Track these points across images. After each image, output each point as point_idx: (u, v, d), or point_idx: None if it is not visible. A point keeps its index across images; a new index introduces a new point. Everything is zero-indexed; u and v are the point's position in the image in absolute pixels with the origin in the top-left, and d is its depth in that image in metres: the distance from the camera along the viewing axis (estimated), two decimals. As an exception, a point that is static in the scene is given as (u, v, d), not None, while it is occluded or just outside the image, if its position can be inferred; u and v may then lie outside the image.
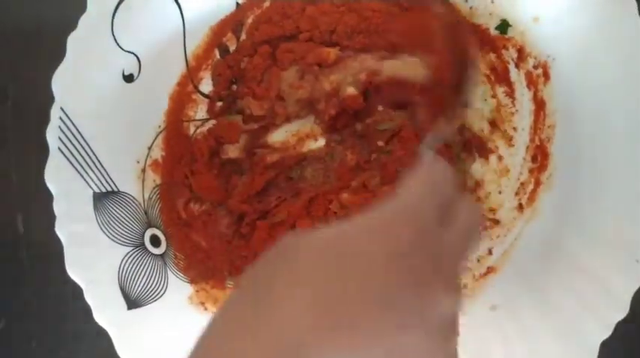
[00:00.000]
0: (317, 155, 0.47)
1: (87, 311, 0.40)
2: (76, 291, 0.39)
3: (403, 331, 0.22)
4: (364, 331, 0.22)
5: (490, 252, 0.46)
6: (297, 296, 0.22)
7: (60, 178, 0.39)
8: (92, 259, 0.40)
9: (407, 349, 0.22)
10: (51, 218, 0.39)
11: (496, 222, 0.46)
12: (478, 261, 0.46)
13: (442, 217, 0.27)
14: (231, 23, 0.46)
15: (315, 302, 0.22)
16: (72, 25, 0.40)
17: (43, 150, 0.39)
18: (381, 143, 0.47)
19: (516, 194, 0.46)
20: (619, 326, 0.38)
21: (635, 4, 0.38)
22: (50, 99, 0.39)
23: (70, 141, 0.40)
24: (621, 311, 0.37)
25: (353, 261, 0.23)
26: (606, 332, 0.38)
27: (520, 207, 0.46)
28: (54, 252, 0.39)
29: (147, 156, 0.45)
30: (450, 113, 0.37)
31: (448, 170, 0.29)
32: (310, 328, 0.21)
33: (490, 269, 0.45)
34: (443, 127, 0.37)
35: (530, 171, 0.46)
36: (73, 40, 0.40)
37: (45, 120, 0.40)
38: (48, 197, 0.39)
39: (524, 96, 0.46)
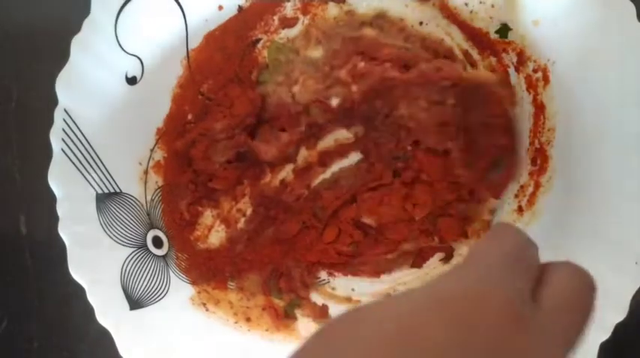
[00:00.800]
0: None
1: (89, 311, 0.40)
2: (79, 292, 0.40)
3: None
4: None
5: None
6: None
7: (63, 180, 0.40)
8: (95, 260, 0.40)
9: None
10: (54, 219, 0.39)
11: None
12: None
13: (533, 292, 0.21)
14: (234, 27, 0.46)
15: None
16: (76, 28, 0.40)
17: (47, 152, 0.40)
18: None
19: (516, 196, 0.46)
20: (618, 328, 0.38)
21: (633, 8, 0.38)
22: (54, 101, 0.40)
23: (74, 143, 0.40)
24: (620, 313, 0.38)
25: (419, 352, 0.18)
26: (605, 334, 0.38)
27: (520, 209, 0.46)
28: (57, 252, 0.40)
29: (149, 158, 0.45)
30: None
31: (527, 235, 0.24)
32: None
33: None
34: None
35: (530, 173, 0.46)
36: (76, 43, 0.40)
37: (48, 121, 0.40)
38: (51, 198, 0.39)
39: (523, 100, 0.46)
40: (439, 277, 0.22)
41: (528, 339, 0.19)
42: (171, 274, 0.44)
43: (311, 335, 0.20)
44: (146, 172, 0.45)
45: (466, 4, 0.46)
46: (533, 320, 0.20)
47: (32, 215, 0.48)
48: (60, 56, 0.40)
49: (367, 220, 0.47)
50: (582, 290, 0.23)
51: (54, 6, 0.49)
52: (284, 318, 0.46)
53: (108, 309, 0.40)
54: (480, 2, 0.45)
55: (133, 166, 0.44)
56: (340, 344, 0.19)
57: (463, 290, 0.20)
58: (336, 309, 0.48)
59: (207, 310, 0.45)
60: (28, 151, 0.48)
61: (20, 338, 0.49)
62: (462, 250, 0.48)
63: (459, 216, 0.47)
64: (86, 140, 0.41)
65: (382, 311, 0.20)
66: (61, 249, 0.39)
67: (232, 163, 0.46)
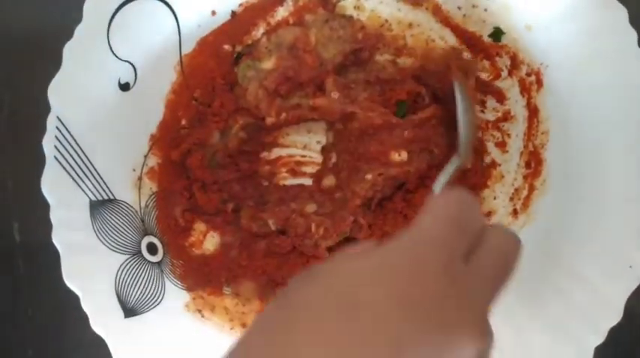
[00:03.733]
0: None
1: (84, 319, 0.40)
2: (73, 300, 0.39)
3: None
4: None
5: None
6: (311, 345, 0.22)
7: (56, 187, 0.40)
8: (89, 267, 0.40)
9: None
10: (48, 226, 0.39)
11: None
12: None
13: (468, 253, 0.25)
14: (227, 32, 0.46)
15: (328, 352, 0.22)
16: (68, 35, 0.40)
17: (40, 159, 0.39)
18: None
19: (511, 199, 0.47)
20: (612, 331, 0.38)
21: (625, 12, 0.39)
22: (46, 108, 0.40)
23: (67, 150, 0.40)
24: (615, 317, 0.38)
25: (364, 313, 0.22)
26: (600, 338, 0.38)
27: (515, 212, 0.46)
28: (50, 260, 0.39)
29: (143, 164, 0.45)
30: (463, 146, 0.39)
31: (471, 197, 0.27)
32: None
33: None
34: (456, 159, 0.39)
35: (525, 176, 0.46)
36: (69, 50, 0.40)
37: (41, 129, 0.40)
38: (45, 205, 0.39)
39: (517, 103, 0.46)
40: (392, 239, 0.25)
41: (457, 291, 0.23)
42: (166, 281, 0.44)
43: (273, 300, 0.24)
44: (140, 178, 0.45)
45: (459, 8, 0.46)
46: (463, 275, 0.24)
47: (26, 222, 0.48)
48: (52, 63, 0.40)
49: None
50: (508, 251, 0.26)
51: (46, 13, 0.49)
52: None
53: (102, 317, 0.40)
54: (473, 6, 0.45)
55: (126, 173, 0.44)
56: (296, 306, 0.23)
57: (404, 253, 0.24)
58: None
59: (202, 316, 0.44)
60: (21, 158, 0.48)
61: (14, 346, 0.48)
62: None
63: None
64: (79, 147, 0.41)
65: (334, 273, 0.24)
66: (54, 256, 0.39)
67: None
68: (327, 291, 0.23)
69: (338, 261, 0.25)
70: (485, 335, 0.23)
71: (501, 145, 0.47)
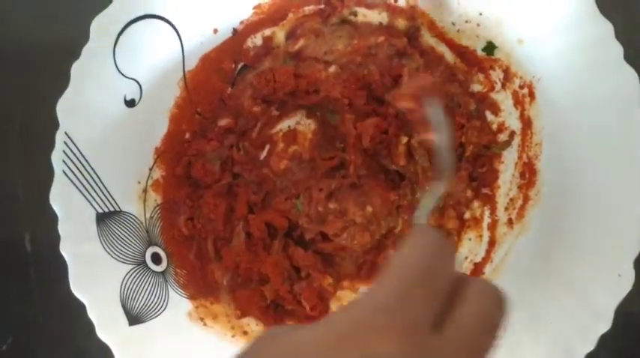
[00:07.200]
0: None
1: (90, 327, 0.41)
2: (80, 308, 0.41)
3: None
4: None
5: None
6: None
7: (64, 200, 0.41)
8: (95, 277, 0.42)
9: None
10: (57, 237, 0.41)
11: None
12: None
13: (441, 312, 0.21)
14: (228, 49, 0.48)
15: None
16: (76, 53, 0.41)
17: (49, 173, 0.41)
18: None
19: (506, 209, 0.48)
20: (602, 339, 0.39)
21: (611, 27, 0.40)
22: (55, 123, 0.41)
23: (74, 164, 0.42)
24: (605, 324, 0.38)
25: None
26: (590, 345, 0.39)
27: (510, 222, 0.47)
28: (60, 270, 0.41)
29: (148, 177, 0.46)
30: (442, 171, 0.36)
31: (445, 240, 0.23)
32: None
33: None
34: (435, 187, 0.36)
35: (519, 187, 0.47)
36: (77, 68, 0.41)
37: (50, 143, 0.41)
38: (54, 217, 0.40)
39: (511, 115, 0.47)
40: (351, 302, 0.22)
41: None
42: (170, 290, 0.45)
43: None
44: (145, 191, 0.46)
45: (453, 24, 0.47)
46: (434, 346, 0.20)
47: (37, 233, 0.50)
48: (61, 80, 0.41)
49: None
50: (492, 312, 0.22)
51: (56, 32, 0.51)
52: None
53: (107, 325, 0.41)
54: (466, 21, 0.47)
55: (132, 185, 0.46)
56: None
57: (361, 322, 0.20)
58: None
59: (204, 324, 0.46)
60: (31, 172, 0.50)
61: (24, 354, 0.50)
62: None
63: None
64: (86, 161, 0.42)
65: (288, 344, 0.21)
66: (64, 266, 0.41)
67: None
68: None
69: (293, 329, 0.22)
70: None
71: (497, 156, 0.48)
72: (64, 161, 0.41)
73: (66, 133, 0.41)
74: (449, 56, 0.48)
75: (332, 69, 0.47)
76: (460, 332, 0.21)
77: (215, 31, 0.47)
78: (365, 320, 0.20)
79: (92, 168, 0.43)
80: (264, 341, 0.22)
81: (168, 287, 0.45)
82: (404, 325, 0.20)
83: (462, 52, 0.48)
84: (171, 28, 0.45)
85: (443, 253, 0.23)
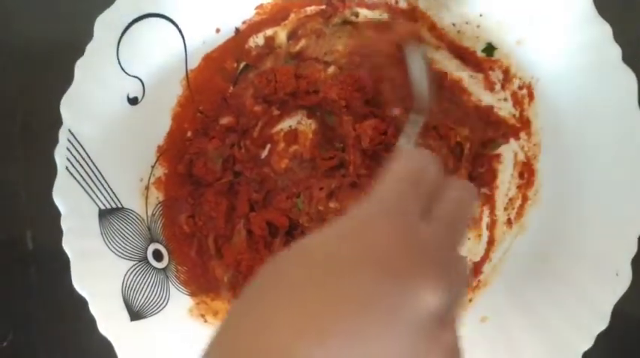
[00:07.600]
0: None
1: (92, 323, 0.41)
2: (82, 304, 0.41)
3: (377, 335, 0.22)
4: (340, 339, 0.22)
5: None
6: (283, 306, 0.23)
7: (67, 196, 0.41)
8: (97, 273, 0.42)
9: (381, 353, 0.22)
10: (59, 233, 0.41)
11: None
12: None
13: (428, 207, 0.26)
14: (231, 48, 0.48)
15: (299, 312, 0.23)
16: (80, 51, 0.42)
17: (52, 169, 0.41)
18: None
19: (505, 209, 0.48)
20: (600, 337, 0.39)
21: (609, 29, 0.40)
22: (58, 120, 0.41)
23: (77, 161, 0.42)
24: (602, 323, 0.39)
25: (326, 269, 0.24)
26: (588, 343, 0.39)
27: (509, 222, 0.48)
28: (62, 266, 0.41)
29: (150, 174, 0.47)
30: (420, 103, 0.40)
31: (428, 155, 0.28)
32: (296, 336, 0.22)
33: (480, 283, 0.47)
34: (415, 117, 0.40)
35: (518, 187, 0.48)
36: (80, 65, 0.42)
37: (53, 140, 0.41)
38: (56, 214, 0.41)
39: (511, 115, 0.48)
40: (351, 207, 0.26)
41: (419, 251, 0.24)
42: (171, 286, 0.46)
43: (260, 271, 0.25)
44: (147, 188, 0.46)
45: (453, 25, 0.48)
46: (423, 234, 0.25)
47: (38, 230, 0.50)
48: (65, 77, 0.41)
49: None
50: (463, 197, 0.28)
51: (60, 29, 0.51)
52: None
53: (109, 320, 0.41)
54: (467, 23, 0.47)
55: (134, 182, 0.46)
56: (280, 265, 0.25)
57: (359, 224, 0.25)
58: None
59: (205, 321, 0.46)
60: (33, 168, 0.50)
61: (25, 351, 0.50)
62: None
63: None
64: (89, 158, 0.43)
65: (297, 246, 0.25)
66: (65, 263, 0.41)
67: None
68: (296, 257, 0.25)
69: (305, 238, 0.26)
70: (448, 285, 0.23)
71: (496, 157, 0.48)
72: (67, 158, 0.41)
73: (69, 130, 0.41)
74: (447, 56, 0.49)
75: (330, 70, 0.48)
76: (441, 212, 0.26)
77: (218, 30, 0.48)
78: (363, 222, 0.25)
79: (95, 165, 0.43)
80: (278, 256, 0.25)
81: (170, 283, 0.46)
82: (397, 220, 0.25)
83: (461, 53, 0.48)
84: (174, 27, 0.45)
85: (429, 162, 0.28)
